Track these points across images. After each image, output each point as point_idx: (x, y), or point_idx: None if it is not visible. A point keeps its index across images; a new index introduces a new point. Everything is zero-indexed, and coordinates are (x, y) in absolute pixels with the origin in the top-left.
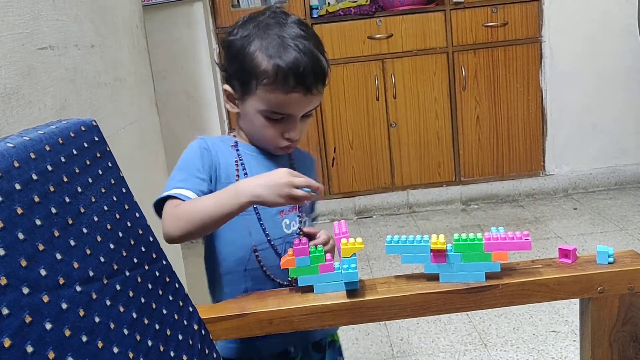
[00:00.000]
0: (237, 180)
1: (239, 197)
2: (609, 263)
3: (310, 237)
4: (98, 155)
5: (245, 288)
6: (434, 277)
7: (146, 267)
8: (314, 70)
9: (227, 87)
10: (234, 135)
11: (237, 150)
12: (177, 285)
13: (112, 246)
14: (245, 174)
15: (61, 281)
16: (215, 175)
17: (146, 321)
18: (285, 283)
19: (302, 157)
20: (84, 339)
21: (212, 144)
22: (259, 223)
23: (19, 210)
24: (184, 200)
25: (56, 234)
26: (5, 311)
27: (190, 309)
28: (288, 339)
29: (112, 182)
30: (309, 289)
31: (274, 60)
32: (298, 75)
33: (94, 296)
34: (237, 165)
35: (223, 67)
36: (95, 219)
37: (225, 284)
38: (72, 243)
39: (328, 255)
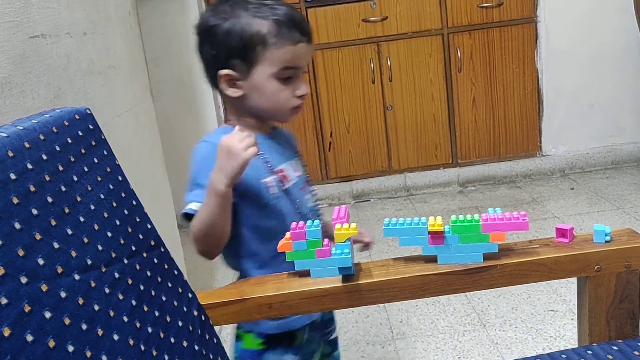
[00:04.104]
0: (270, 168)
1: (216, 187)
2: (606, 242)
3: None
4: (93, 143)
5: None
6: (432, 259)
7: (144, 255)
8: (305, 20)
9: (225, 71)
10: (233, 125)
11: None
12: (175, 272)
13: (109, 234)
14: (270, 165)
15: (59, 270)
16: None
17: (146, 308)
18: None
19: (287, 135)
20: (84, 327)
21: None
22: (295, 203)
23: (15, 200)
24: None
25: (53, 223)
26: (4, 301)
27: (190, 296)
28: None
29: (108, 170)
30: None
31: (271, 19)
32: (298, 24)
33: (93, 284)
34: (263, 159)
35: (210, 54)
36: (92, 207)
37: (269, 266)
38: (70, 232)
39: (325, 240)
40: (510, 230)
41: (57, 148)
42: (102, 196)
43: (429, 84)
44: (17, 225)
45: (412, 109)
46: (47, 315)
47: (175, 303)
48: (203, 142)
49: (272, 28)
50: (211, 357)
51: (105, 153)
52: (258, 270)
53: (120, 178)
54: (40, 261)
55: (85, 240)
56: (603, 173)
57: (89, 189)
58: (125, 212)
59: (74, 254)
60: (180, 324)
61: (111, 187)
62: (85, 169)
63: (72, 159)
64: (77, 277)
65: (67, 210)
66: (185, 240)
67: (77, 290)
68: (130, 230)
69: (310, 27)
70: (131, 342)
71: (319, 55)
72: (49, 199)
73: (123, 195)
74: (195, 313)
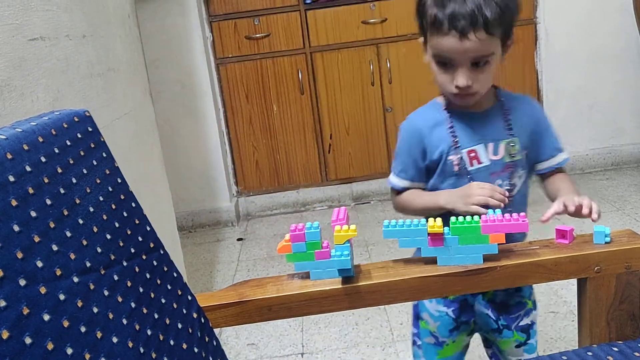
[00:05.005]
0: (455, 148)
1: (439, 202)
2: (606, 243)
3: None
4: (92, 145)
5: None
6: (432, 261)
7: (144, 257)
8: (471, 15)
9: (420, 39)
10: (442, 101)
11: (449, 114)
12: (175, 274)
13: (108, 236)
14: (460, 145)
15: (58, 272)
16: (427, 151)
17: (145, 310)
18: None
19: (518, 104)
20: (83, 329)
21: (420, 122)
22: None
23: (14, 202)
24: (399, 190)
25: (52, 225)
26: (2, 303)
27: (189, 298)
28: None
29: (107, 172)
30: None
31: (439, 8)
32: (452, 19)
33: (92, 287)
34: (452, 135)
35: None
36: (91, 209)
37: None
38: (68, 234)
39: (325, 242)
40: (510, 232)
41: (56, 150)
42: (101, 198)
43: (428, 85)
44: (16, 228)
45: (412, 111)
46: (46, 317)
47: (175, 305)
48: (406, 120)
49: (433, 17)
50: (210, 359)
51: (104, 155)
52: None
53: (119, 180)
54: (39, 263)
55: (84, 242)
56: (603, 174)
57: (88, 191)
58: (125, 214)
59: (72, 256)
60: (179, 326)
61: (110, 189)
62: (84, 171)
63: (71, 161)
64: (76, 279)
65: (66, 213)
66: (185, 243)
67: (76, 293)
68: (129, 232)
69: (476, 22)
70: (130, 344)
71: (318, 58)
72: (48, 201)
73: (122, 197)
74: (195, 315)
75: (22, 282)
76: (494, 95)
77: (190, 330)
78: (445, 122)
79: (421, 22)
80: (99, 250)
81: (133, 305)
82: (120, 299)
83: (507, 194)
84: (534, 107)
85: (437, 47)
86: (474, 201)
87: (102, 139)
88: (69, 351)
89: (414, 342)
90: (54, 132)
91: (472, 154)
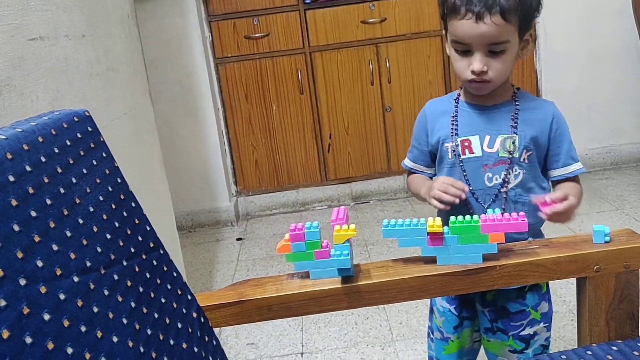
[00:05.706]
0: (452, 136)
1: (419, 194)
2: (605, 242)
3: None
4: (92, 145)
5: None
6: (431, 260)
7: (143, 257)
8: (486, 0)
9: (442, 31)
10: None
11: (457, 104)
12: (175, 274)
13: (108, 236)
14: (457, 133)
15: (58, 272)
16: (429, 136)
17: (145, 310)
18: None
19: (534, 106)
20: (83, 329)
21: (430, 109)
22: (463, 175)
23: (14, 202)
24: (408, 170)
25: (52, 225)
26: (2, 303)
27: (189, 297)
28: None
29: (107, 172)
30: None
31: None
32: (468, 2)
33: (92, 286)
34: (452, 123)
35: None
36: (91, 209)
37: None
38: (68, 234)
39: (324, 242)
40: (509, 231)
41: (56, 150)
42: (101, 198)
43: (427, 85)
44: (16, 228)
45: (411, 111)
46: (46, 317)
47: (175, 305)
48: (425, 106)
49: (452, 2)
50: (210, 359)
51: (104, 155)
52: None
53: (119, 180)
54: (39, 263)
55: (84, 242)
56: (602, 174)
57: (88, 191)
58: (124, 214)
59: (73, 256)
60: (179, 325)
61: (110, 189)
62: (84, 171)
63: (71, 161)
64: (76, 279)
65: (66, 212)
66: (184, 242)
67: (76, 292)
68: (129, 232)
69: (491, 7)
70: (130, 344)
71: (317, 57)
72: (48, 201)
73: (122, 197)
74: (195, 315)
75: (23, 282)
76: (510, 94)
77: (190, 330)
78: (452, 111)
79: (442, 11)
80: (99, 249)
81: (133, 304)
82: (120, 299)
83: (466, 189)
84: (551, 113)
85: (455, 31)
86: (433, 194)
87: (101, 139)
88: (69, 350)
89: (428, 335)
90: (53, 132)
91: (466, 143)
